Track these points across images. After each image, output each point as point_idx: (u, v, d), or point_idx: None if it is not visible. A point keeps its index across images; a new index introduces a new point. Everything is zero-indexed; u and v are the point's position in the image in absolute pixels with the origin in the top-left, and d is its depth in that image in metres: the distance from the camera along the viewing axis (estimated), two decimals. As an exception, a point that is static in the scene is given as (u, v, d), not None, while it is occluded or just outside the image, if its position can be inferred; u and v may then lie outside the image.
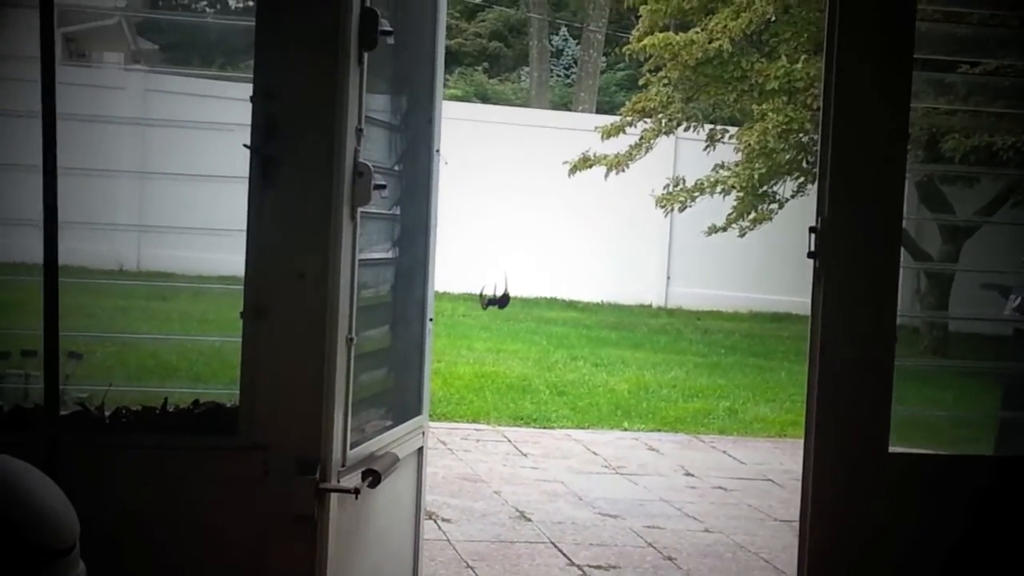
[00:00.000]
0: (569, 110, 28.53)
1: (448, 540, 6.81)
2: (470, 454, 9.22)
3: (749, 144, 15.48)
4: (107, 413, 3.81)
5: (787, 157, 15.56)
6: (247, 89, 3.66)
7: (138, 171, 15.06)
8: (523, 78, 33.79)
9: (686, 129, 17.21)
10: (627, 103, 17.74)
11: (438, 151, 4.79)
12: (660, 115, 16.79)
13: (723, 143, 16.86)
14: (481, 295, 5.55)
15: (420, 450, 4.66)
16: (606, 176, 17.17)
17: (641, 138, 17.00)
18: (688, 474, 9.11)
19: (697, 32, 15.74)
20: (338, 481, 3.67)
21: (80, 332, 4.39)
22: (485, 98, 30.40)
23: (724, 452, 10.07)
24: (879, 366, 4.04)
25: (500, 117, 21.53)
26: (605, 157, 17.07)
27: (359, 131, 3.72)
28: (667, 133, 17.23)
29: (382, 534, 4.32)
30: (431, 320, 4.78)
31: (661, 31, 16.23)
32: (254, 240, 3.65)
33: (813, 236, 4.04)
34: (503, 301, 5.58)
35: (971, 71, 11.46)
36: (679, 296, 20.40)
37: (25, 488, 2.78)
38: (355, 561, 3.96)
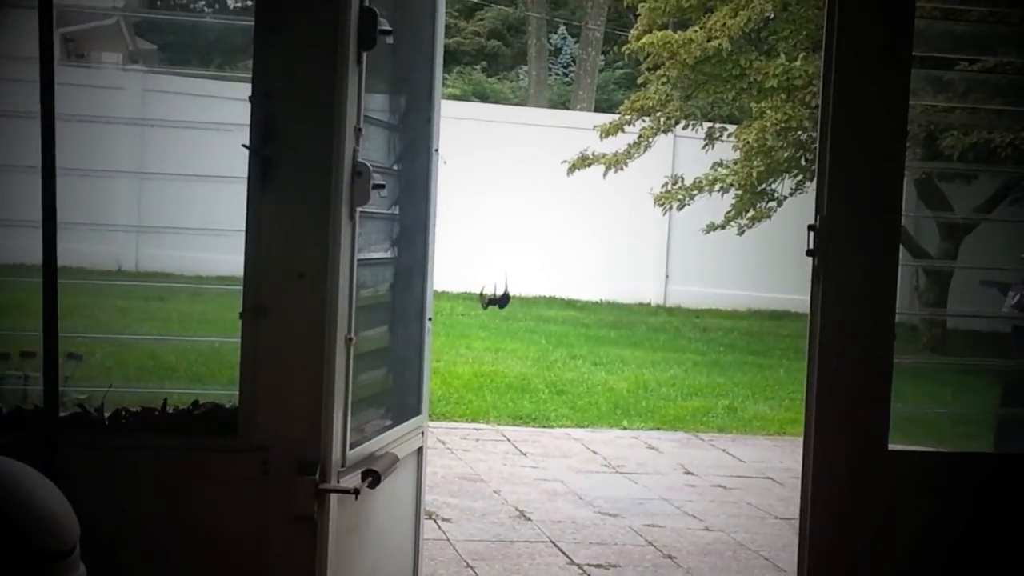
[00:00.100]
0: (567, 108, 28.52)
1: (448, 540, 6.81)
2: (469, 453, 9.22)
3: (748, 142, 15.48)
4: (107, 414, 3.81)
5: (786, 155, 15.55)
6: (246, 89, 3.66)
7: (137, 172, 15.05)
8: (521, 77, 33.77)
9: (684, 127, 17.20)
10: (626, 102, 17.74)
11: (437, 150, 4.79)
12: (659, 113, 16.78)
13: (722, 141, 16.85)
14: (481, 295, 5.56)
15: (420, 450, 4.66)
16: (604, 175, 17.17)
17: (639, 136, 16.99)
18: (688, 472, 9.12)
19: (696, 30, 15.74)
20: (338, 481, 3.67)
21: (79, 333, 4.39)
22: (483, 97, 30.39)
23: (723, 450, 10.07)
24: (878, 364, 4.04)
25: (499, 116, 21.53)
26: (604, 156, 17.06)
27: (358, 131, 3.72)
28: (665, 131, 17.22)
29: (382, 534, 4.32)
30: (430, 320, 4.78)
31: (660, 29, 16.23)
32: (253, 240, 3.65)
33: (812, 234, 4.04)
34: (503, 301, 5.58)
35: (969, 68, 11.46)
36: (678, 294, 20.40)
37: (25, 490, 2.78)
38: (355, 561, 3.96)
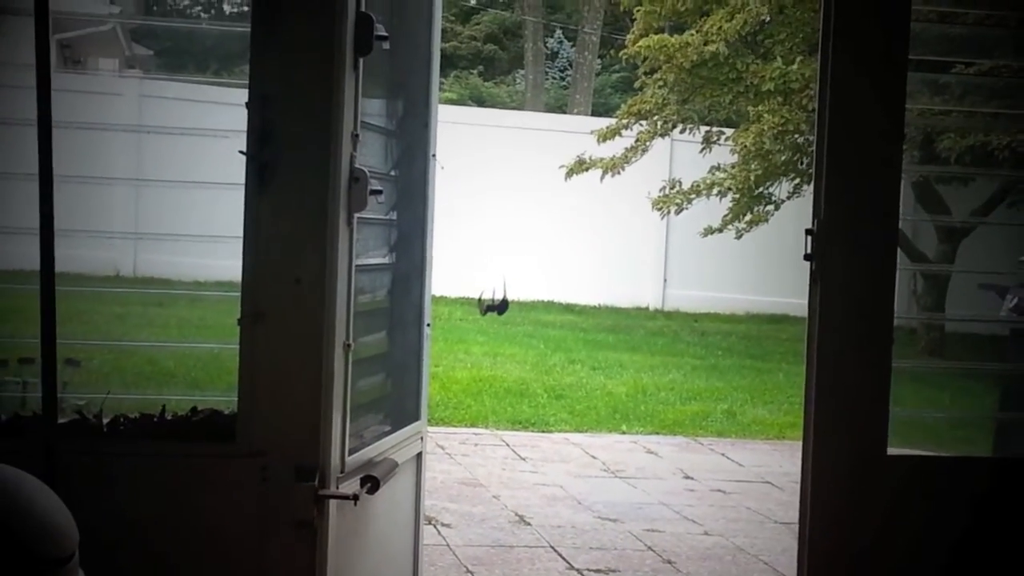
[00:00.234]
0: (564, 112, 28.55)
1: (447, 545, 6.81)
2: (469, 458, 9.22)
3: (745, 146, 15.48)
4: (105, 421, 3.81)
5: (783, 158, 15.55)
6: (243, 95, 3.66)
7: (134, 178, 15.04)
8: (518, 81, 33.80)
9: (682, 131, 17.20)
10: (623, 106, 17.75)
11: (434, 155, 4.78)
12: (656, 117, 16.78)
13: (719, 145, 16.85)
14: (480, 301, 5.56)
15: (419, 455, 4.65)
16: (602, 179, 17.17)
17: (637, 140, 16.99)
18: (687, 477, 9.11)
19: (692, 34, 15.74)
20: (337, 487, 3.66)
21: (78, 339, 4.39)
22: (480, 101, 30.41)
23: (723, 454, 10.07)
24: (877, 367, 4.04)
25: (496, 120, 21.53)
26: (601, 160, 17.06)
27: (355, 136, 3.71)
28: (662, 135, 17.22)
29: (381, 540, 4.32)
30: (428, 325, 4.78)
31: (656, 33, 16.23)
32: (251, 246, 3.65)
33: (809, 238, 4.04)
34: (502, 307, 5.59)
35: (966, 71, 11.48)
36: (676, 298, 20.40)
37: (24, 497, 2.77)
38: (355, 567, 3.96)
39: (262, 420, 3.61)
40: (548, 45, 33.51)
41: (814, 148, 4.14)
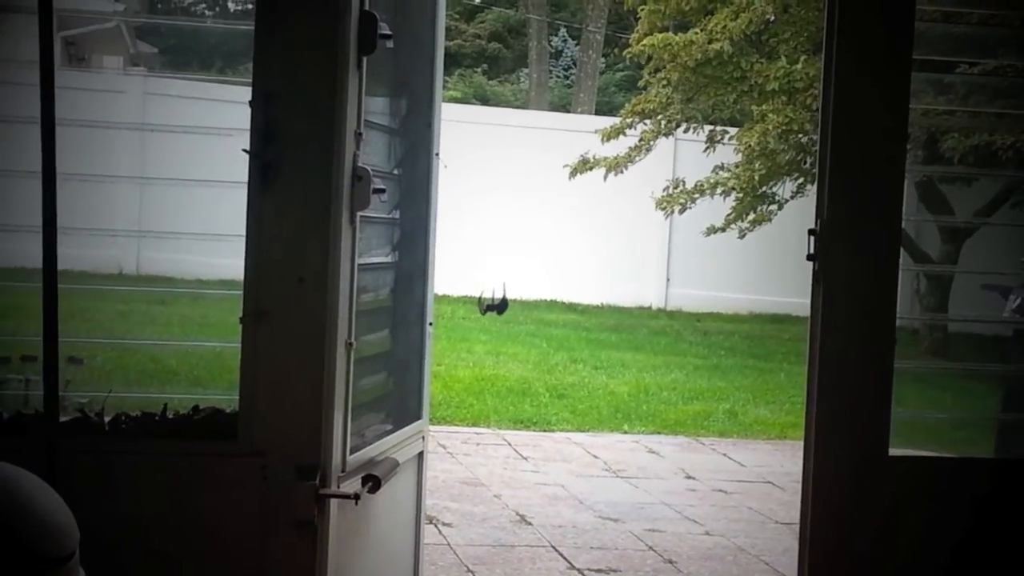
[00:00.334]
0: (568, 111, 28.54)
1: (448, 544, 6.81)
2: (470, 458, 9.22)
3: (749, 145, 15.47)
4: (107, 419, 3.81)
5: (787, 158, 15.54)
6: (247, 93, 3.66)
7: (138, 176, 15.05)
8: (522, 79, 33.80)
9: (685, 130, 17.20)
10: (627, 105, 17.73)
11: (437, 154, 4.78)
12: (660, 116, 16.77)
13: (723, 144, 16.85)
14: (480, 301, 5.56)
15: (420, 455, 4.65)
16: (605, 178, 17.17)
17: (640, 139, 16.99)
18: (688, 477, 9.11)
19: (696, 33, 15.73)
20: (338, 487, 3.66)
21: (81, 337, 4.39)
22: (484, 99, 30.40)
23: (724, 454, 10.07)
24: (879, 368, 4.04)
25: (500, 119, 21.53)
26: (604, 159, 17.06)
27: (358, 135, 3.71)
28: (666, 134, 17.22)
29: (382, 539, 4.31)
30: (431, 324, 4.78)
31: (660, 32, 16.22)
32: (253, 245, 3.65)
33: (812, 238, 4.04)
34: (501, 307, 5.60)
35: (970, 71, 11.47)
36: (679, 298, 20.39)
37: (25, 495, 2.77)
38: (355, 566, 3.95)
39: (263, 419, 3.61)
40: (552, 44, 33.51)
41: (818, 148, 4.14)
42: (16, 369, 4.06)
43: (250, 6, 3.78)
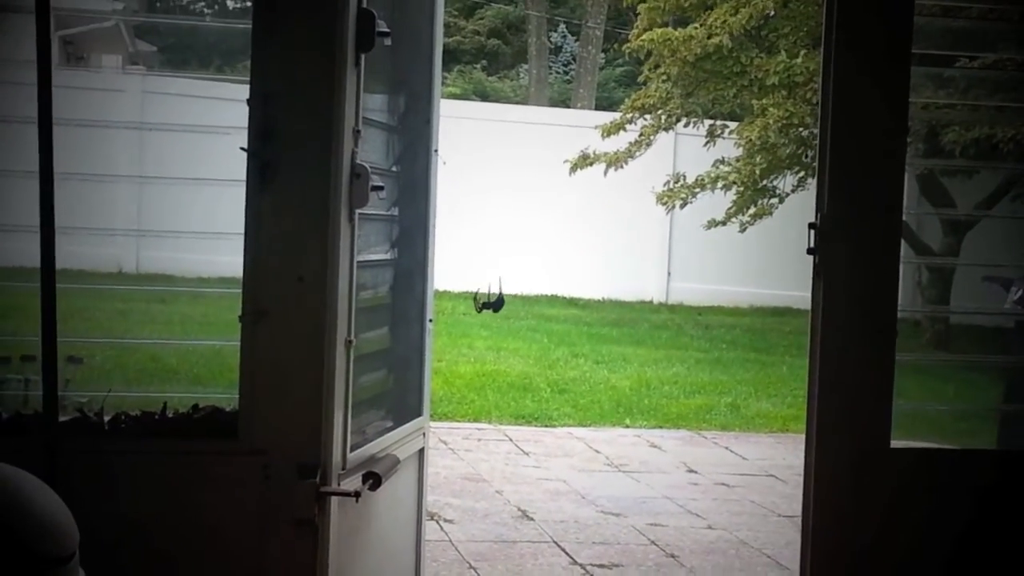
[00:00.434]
0: (568, 107, 28.52)
1: (450, 541, 6.81)
2: (472, 454, 9.22)
3: (750, 139, 15.46)
4: (106, 418, 3.80)
5: (787, 152, 15.54)
6: (246, 90, 3.65)
7: (137, 176, 15.04)
8: (522, 75, 33.77)
9: (685, 125, 17.19)
10: (627, 100, 17.74)
11: (436, 151, 4.78)
12: (660, 111, 16.77)
13: (723, 138, 16.85)
14: (475, 298, 5.56)
15: (421, 451, 4.65)
16: (605, 173, 17.16)
17: (641, 134, 16.98)
18: (690, 471, 9.11)
19: (696, 28, 15.73)
20: (339, 484, 3.65)
21: (80, 337, 4.38)
22: (484, 96, 30.39)
23: (726, 448, 10.07)
24: (880, 361, 4.04)
25: (499, 115, 21.53)
26: (605, 155, 17.05)
27: (356, 132, 3.71)
28: (667, 129, 17.22)
29: (383, 536, 4.31)
30: (431, 321, 4.77)
31: (660, 27, 16.21)
32: (252, 243, 3.64)
33: (812, 232, 4.03)
34: (497, 304, 5.59)
35: (970, 65, 11.46)
36: (680, 292, 20.39)
37: (25, 495, 2.77)
38: (356, 564, 3.95)
39: (263, 417, 3.61)
40: (552, 39, 33.48)
41: (817, 142, 4.13)
42: (16, 369, 4.06)
43: (248, 4, 3.77)
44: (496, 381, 12.24)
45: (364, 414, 4.21)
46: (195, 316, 10.45)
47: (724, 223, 16.63)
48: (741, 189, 16.05)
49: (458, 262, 15.21)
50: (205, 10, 32.62)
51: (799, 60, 15.04)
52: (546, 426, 10.60)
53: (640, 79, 17.73)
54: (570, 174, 17.32)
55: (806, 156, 15.50)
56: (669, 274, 20.54)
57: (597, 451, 9.62)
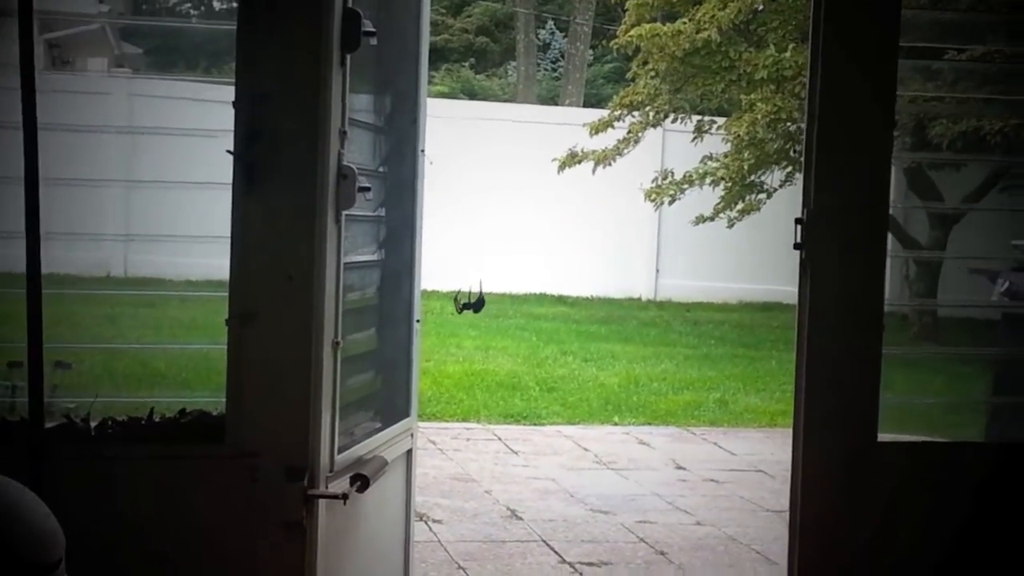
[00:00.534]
0: (556, 104, 28.53)
1: (439, 541, 6.80)
2: (460, 453, 9.21)
3: (738, 135, 15.46)
4: (93, 424, 3.79)
5: (775, 147, 15.54)
6: (233, 92, 3.65)
7: (124, 180, 15.00)
8: (510, 73, 33.76)
9: (673, 121, 17.18)
10: (615, 97, 17.74)
11: (423, 151, 4.77)
12: (648, 108, 16.76)
13: (711, 134, 16.85)
14: (455, 299, 5.55)
15: (409, 452, 4.65)
16: (594, 171, 17.15)
17: (629, 131, 16.98)
18: (679, 467, 9.12)
19: (684, 22, 15.72)
20: (326, 487, 3.65)
21: (68, 342, 4.37)
22: (472, 94, 30.37)
23: (715, 444, 10.07)
24: (867, 355, 4.04)
25: (488, 113, 21.52)
26: (593, 152, 17.04)
27: (343, 133, 3.70)
28: (655, 126, 17.21)
29: (372, 538, 4.31)
30: (418, 321, 4.77)
31: (648, 23, 16.20)
32: (239, 245, 3.64)
33: (799, 227, 4.04)
34: (478, 305, 5.58)
35: (958, 57, 11.47)
36: (668, 288, 20.39)
37: (11, 502, 2.76)
38: (345, 566, 3.95)
39: (251, 421, 3.60)
40: (540, 36, 33.48)
41: (804, 136, 4.13)
42: (3, 375, 4.05)
43: (234, 5, 3.76)
44: (484, 380, 12.23)
45: (352, 416, 4.21)
46: (184, 320, 10.43)
47: (712, 219, 16.64)
48: (729, 185, 16.05)
49: (446, 262, 15.21)
50: (191, 11, 32.58)
51: (788, 54, 15.03)
52: (535, 425, 10.60)
53: (628, 75, 17.72)
54: (558, 172, 17.30)
55: (794, 151, 15.49)
56: (657, 271, 20.54)
57: (586, 449, 9.63)
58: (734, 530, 7.33)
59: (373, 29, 3.80)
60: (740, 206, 16.30)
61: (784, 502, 4.26)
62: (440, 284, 16.83)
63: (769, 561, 6.70)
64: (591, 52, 31.11)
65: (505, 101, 28.68)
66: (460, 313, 5.53)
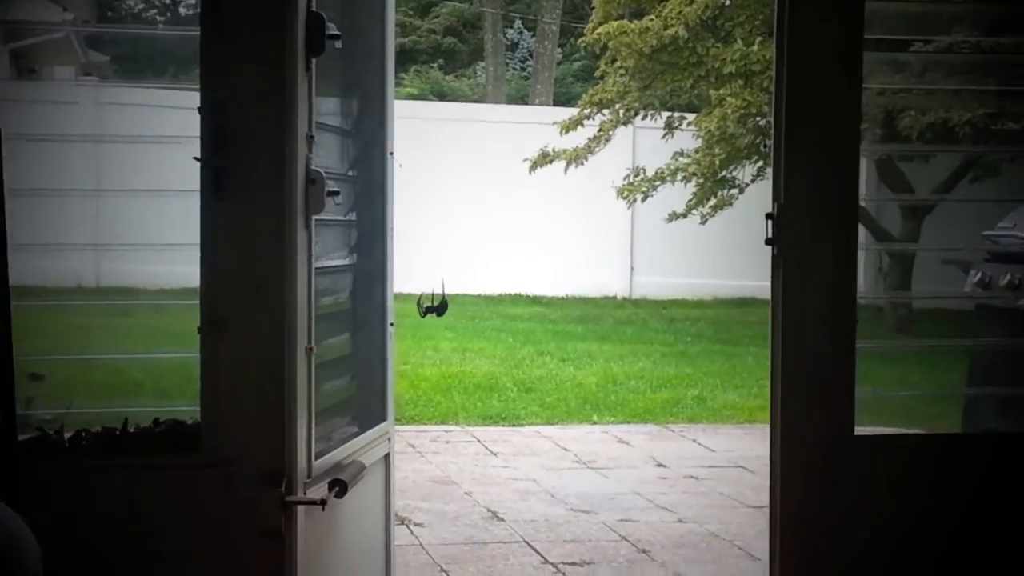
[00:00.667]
0: (526, 103, 28.53)
1: (420, 544, 6.78)
2: (440, 456, 9.19)
3: (709, 130, 15.48)
4: (67, 436, 3.76)
5: (746, 141, 15.57)
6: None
7: (93, 189, 14.91)
8: (479, 73, 33.76)
9: (643, 118, 17.19)
10: (584, 96, 17.75)
11: (392, 153, 4.75)
12: (617, 106, 16.77)
13: (681, 130, 16.87)
14: (418, 303, 5.50)
15: (387, 456, 4.63)
16: (565, 171, 17.15)
17: (600, 130, 16.99)
18: (659, 465, 9.11)
19: (652, 19, 15.73)
20: (304, 493, 3.63)
21: (41, 354, 4.34)
22: (441, 95, 30.37)
23: (694, 441, 10.07)
24: (841, 349, 4.04)
25: (457, 114, 21.50)
26: (564, 151, 17.04)
27: (310, 138, 3.68)
28: (625, 123, 17.22)
29: (352, 543, 4.29)
30: (392, 324, 4.75)
31: (616, 20, 16.21)
32: (208, 252, 3.61)
33: (770, 222, 4.03)
34: (441, 309, 5.54)
35: (924, 49, 11.50)
36: (644, 286, 20.41)
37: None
38: (326, 572, 3.93)
39: (226, 428, 3.58)
40: (508, 36, 33.49)
41: (772, 131, 4.13)
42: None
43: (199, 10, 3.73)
44: (462, 382, 12.22)
45: (328, 421, 4.19)
46: (158, 328, 10.32)
47: (685, 215, 16.66)
48: (701, 181, 16.09)
49: (419, 264, 15.17)
50: (157, 18, 32.46)
51: (755, 48, 15.07)
52: (513, 426, 10.58)
53: (597, 73, 17.73)
54: (530, 172, 17.29)
55: (764, 146, 15.52)
56: (632, 269, 20.56)
57: (565, 449, 9.62)
58: (716, 526, 7.33)
59: (338, 32, 3.78)
60: (712, 202, 16.34)
61: (765, 497, 4.25)
62: (414, 287, 16.79)
63: (751, 556, 6.70)
64: (559, 51, 31.14)
65: (475, 101, 28.67)
66: (424, 317, 5.48)
